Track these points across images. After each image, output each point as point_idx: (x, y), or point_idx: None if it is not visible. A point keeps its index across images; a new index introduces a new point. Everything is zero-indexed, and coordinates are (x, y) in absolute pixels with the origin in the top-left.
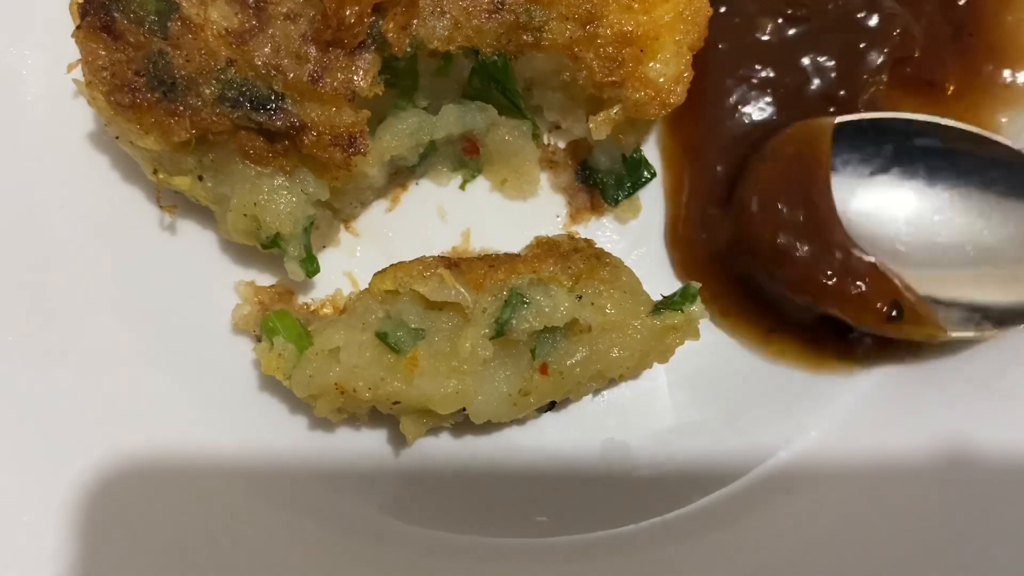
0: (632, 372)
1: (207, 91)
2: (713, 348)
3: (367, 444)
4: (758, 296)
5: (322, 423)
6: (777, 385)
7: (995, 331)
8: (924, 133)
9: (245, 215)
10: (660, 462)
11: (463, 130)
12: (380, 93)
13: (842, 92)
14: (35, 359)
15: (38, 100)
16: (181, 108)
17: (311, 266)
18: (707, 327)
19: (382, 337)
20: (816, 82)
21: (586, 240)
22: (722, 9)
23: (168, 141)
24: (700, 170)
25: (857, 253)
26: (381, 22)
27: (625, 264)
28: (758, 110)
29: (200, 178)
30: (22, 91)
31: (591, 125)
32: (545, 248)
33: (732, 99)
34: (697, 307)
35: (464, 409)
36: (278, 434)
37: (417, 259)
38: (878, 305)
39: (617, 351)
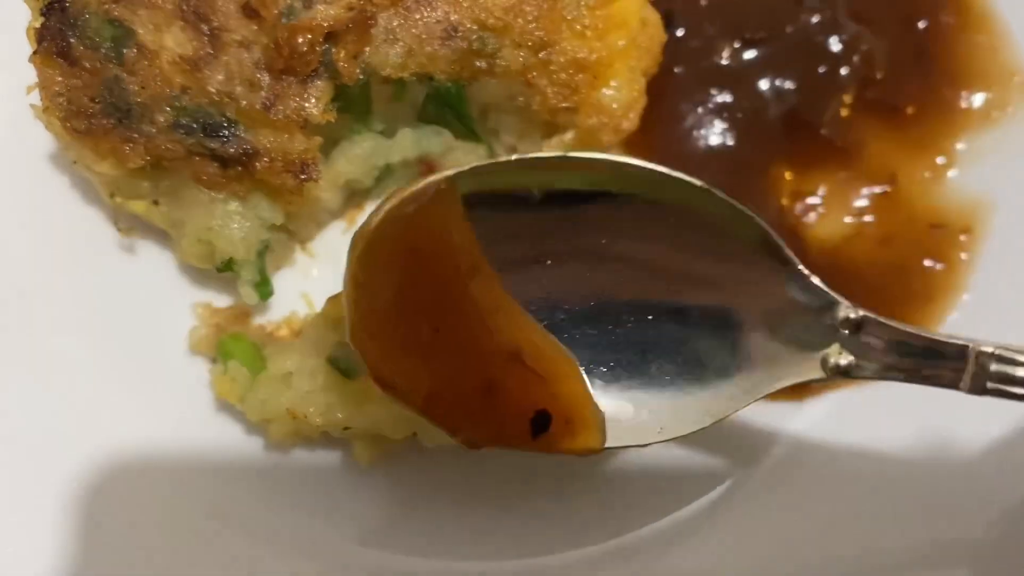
0: None
1: (161, 118)
2: None
3: (323, 465)
4: None
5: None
6: None
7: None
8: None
9: (199, 240)
10: (631, 472)
11: (419, 154)
12: (332, 120)
13: (803, 117)
14: None
15: None
16: (136, 135)
17: (265, 289)
18: None
19: (334, 363)
20: (776, 107)
21: None
22: (679, 32)
23: (123, 167)
24: None
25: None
26: (333, 50)
27: None
28: (715, 135)
29: (155, 203)
30: None
31: (545, 150)
32: None
33: (687, 124)
34: None
35: (415, 433)
36: (236, 455)
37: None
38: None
39: None
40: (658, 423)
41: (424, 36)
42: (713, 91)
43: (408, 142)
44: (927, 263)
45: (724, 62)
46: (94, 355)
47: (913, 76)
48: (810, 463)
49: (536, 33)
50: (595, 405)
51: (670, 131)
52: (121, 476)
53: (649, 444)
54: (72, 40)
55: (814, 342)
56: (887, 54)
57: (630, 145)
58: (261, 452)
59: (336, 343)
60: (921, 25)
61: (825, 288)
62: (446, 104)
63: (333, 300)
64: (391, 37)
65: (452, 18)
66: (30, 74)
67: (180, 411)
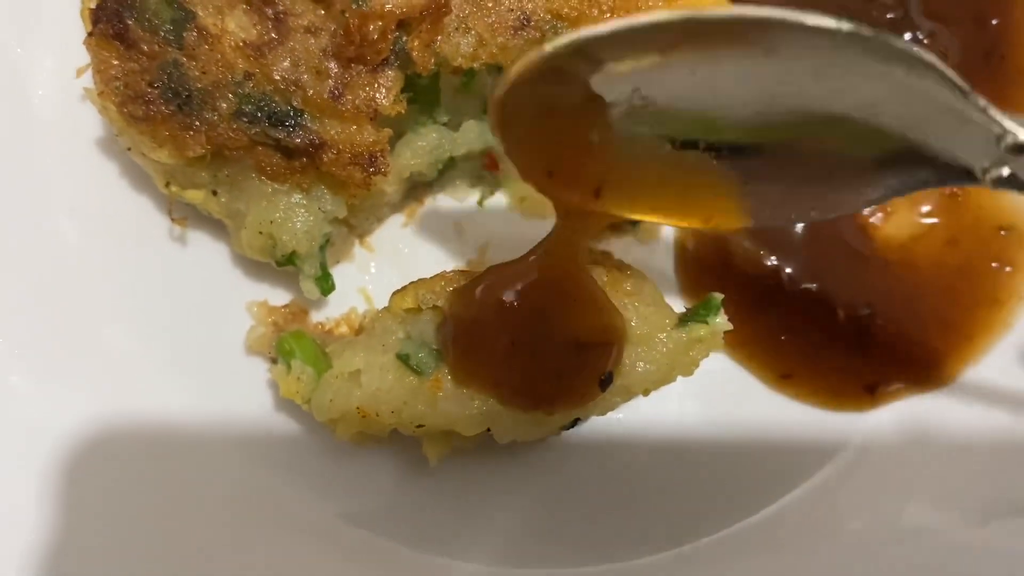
0: (656, 386)
1: (224, 105)
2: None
3: (386, 466)
4: (776, 334)
5: (340, 445)
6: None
7: None
8: None
9: (260, 233)
10: (676, 489)
11: (484, 147)
12: (403, 111)
13: None
14: (38, 366)
15: (46, 103)
16: (197, 122)
17: (326, 284)
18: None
19: (403, 359)
20: None
21: (603, 252)
22: None
23: (182, 155)
24: None
25: None
26: (405, 38)
27: (647, 276)
28: None
29: (214, 193)
30: (30, 93)
31: None
32: None
33: None
34: (721, 319)
35: (488, 429)
36: (291, 454)
37: (437, 275)
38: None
39: (643, 365)
40: (811, 206)
41: (496, 26)
42: None
43: (474, 135)
44: (994, 265)
45: None
46: (144, 345)
47: (983, 75)
48: (878, 469)
49: None
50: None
51: None
52: (172, 471)
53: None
54: (129, 22)
55: (978, 156)
56: (960, 52)
57: None
58: (324, 451)
59: (404, 339)
60: (994, 22)
61: (996, 115)
62: None
63: (399, 294)
64: (463, 26)
65: (526, 7)
66: (77, 54)
67: (233, 406)
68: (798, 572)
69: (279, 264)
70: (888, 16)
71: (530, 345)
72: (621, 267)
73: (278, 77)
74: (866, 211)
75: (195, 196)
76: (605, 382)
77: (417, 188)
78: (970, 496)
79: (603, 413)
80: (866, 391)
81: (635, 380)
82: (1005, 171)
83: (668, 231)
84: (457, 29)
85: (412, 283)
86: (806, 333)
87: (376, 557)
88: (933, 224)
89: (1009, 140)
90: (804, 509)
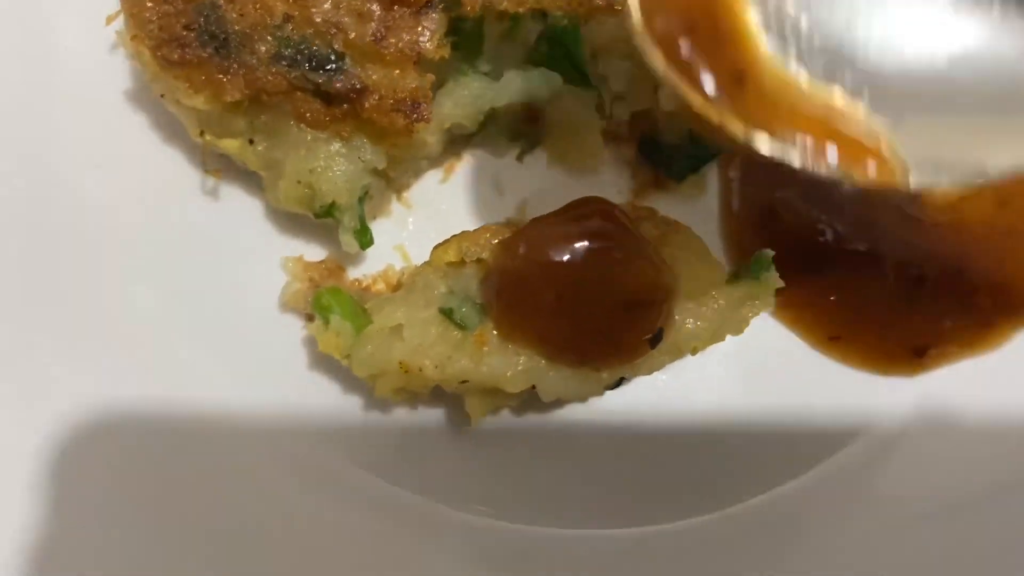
0: (706, 344)
1: (262, 48)
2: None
3: (424, 423)
4: (824, 295)
5: (378, 403)
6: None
7: None
8: None
9: (299, 182)
10: (717, 451)
11: (526, 98)
12: (446, 56)
13: None
14: (64, 329)
15: (72, 54)
16: (234, 66)
17: (365, 238)
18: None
19: (447, 313)
20: None
21: (648, 208)
22: None
23: (219, 101)
24: None
25: None
26: None
27: (694, 233)
28: None
29: (251, 141)
30: (56, 43)
31: (661, 95)
32: None
33: None
34: (772, 275)
35: (533, 386)
36: (328, 411)
37: (482, 227)
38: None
39: (693, 322)
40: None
41: None
42: None
43: (516, 86)
44: None
45: None
46: (175, 302)
47: None
48: (917, 442)
49: None
50: None
51: None
52: (201, 436)
53: None
54: None
55: None
56: None
57: None
58: (360, 410)
59: (447, 293)
60: None
61: None
62: (559, 44)
63: (441, 247)
64: None
65: None
66: (107, 4)
67: (267, 365)
68: (835, 540)
69: (317, 216)
70: None
71: (577, 300)
72: (669, 222)
73: (319, 19)
74: None
75: (230, 145)
76: (655, 339)
77: (455, 142)
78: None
79: (650, 372)
80: (915, 354)
81: (684, 338)
82: None
83: (713, 188)
84: None
85: (455, 236)
86: (855, 295)
87: (413, 515)
88: (982, 187)
89: None
90: (842, 477)
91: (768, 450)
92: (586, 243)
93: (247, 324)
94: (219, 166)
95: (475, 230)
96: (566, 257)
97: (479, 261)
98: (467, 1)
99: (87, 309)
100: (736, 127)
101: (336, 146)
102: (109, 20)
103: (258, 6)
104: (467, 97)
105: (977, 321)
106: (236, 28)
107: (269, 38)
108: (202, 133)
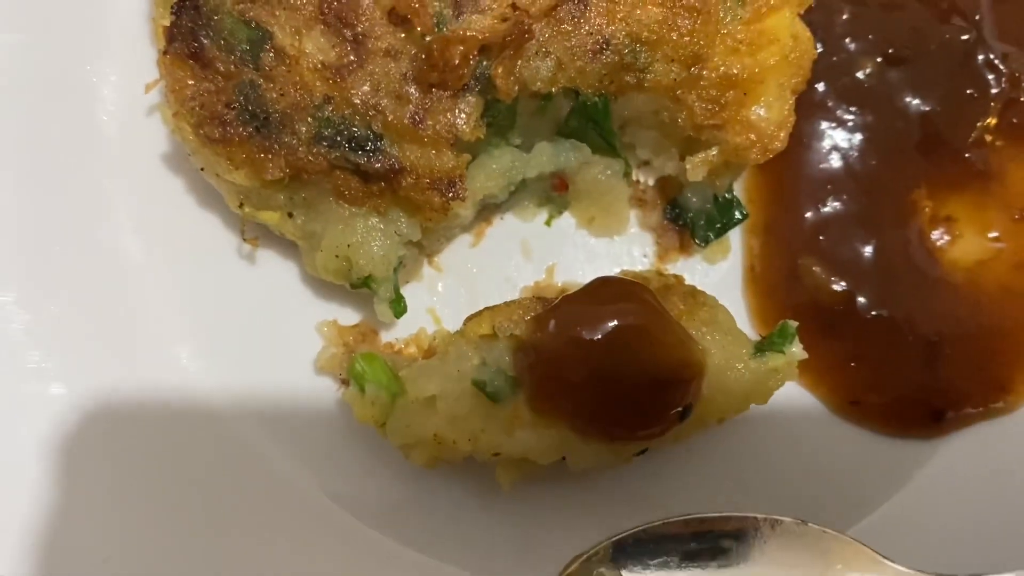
0: (731, 415)
1: (303, 128)
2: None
3: (454, 490)
4: (845, 360)
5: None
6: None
7: None
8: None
9: (337, 256)
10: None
11: (556, 168)
12: (482, 137)
13: (945, 139)
14: (102, 387)
15: (113, 118)
16: (275, 145)
17: (399, 307)
18: None
19: (480, 386)
20: (917, 127)
21: (675, 276)
22: (819, 47)
23: (259, 178)
24: (786, 215)
25: None
26: (485, 63)
27: (720, 303)
28: (854, 155)
29: (290, 215)
30: (96, 108)
31: (688, 166)
32: None
33: (825, 142)
34: (797, 348)
35: (564, 457)
36: (361, 479)
37: (514, 302)
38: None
39: (720, 396)
40: None
41: (576, 49)
42: (853, 108)
43: (546, 157)
44: None
45: (865, 79)
46: (209, 366)
47: None
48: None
49: (690, 48)
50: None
51: (807, 150)
52: (238, 491)
53: None
54: (205, 41)
55: None
56: None
57: (768, 162)
58: (393, 474)
59: (480, 365)
60: None
61: None
62: (590, 118)
63: (475, 319)
64: (543, 51)
65: (606, 31)
66: (146, 71)
67: (301, 428)
68: None
69: (354, 287)
70: (962, 38)
71: (608, 379)
72: (695, 294)
73: (358, 101)
74: (934, 235)
75: (270, 217)
76: (684, 414)
77: (486, 208)
78: None
79: (677, 442)
80: (933, 418)
81: (711, 410)
82: None
83: (736, 253)
84: (536, 53)
85: (487, 309)
86: (875, 359)
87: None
88: (1001, 249)
89: None
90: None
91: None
92: (616, 323)
93: (283, 386)
94: (257, 234)
95: (508, 304)
96: (597, 336)
97: (511, 336)
98: (503, 87)
99: (124, 368)
100: None
101: (373, 220)
102: (148, 88)
103: (298, 86)
104: (499, 170)
105: (995, 385)
106: (277, 108)
107: (309, 119)
108: (241, 205)
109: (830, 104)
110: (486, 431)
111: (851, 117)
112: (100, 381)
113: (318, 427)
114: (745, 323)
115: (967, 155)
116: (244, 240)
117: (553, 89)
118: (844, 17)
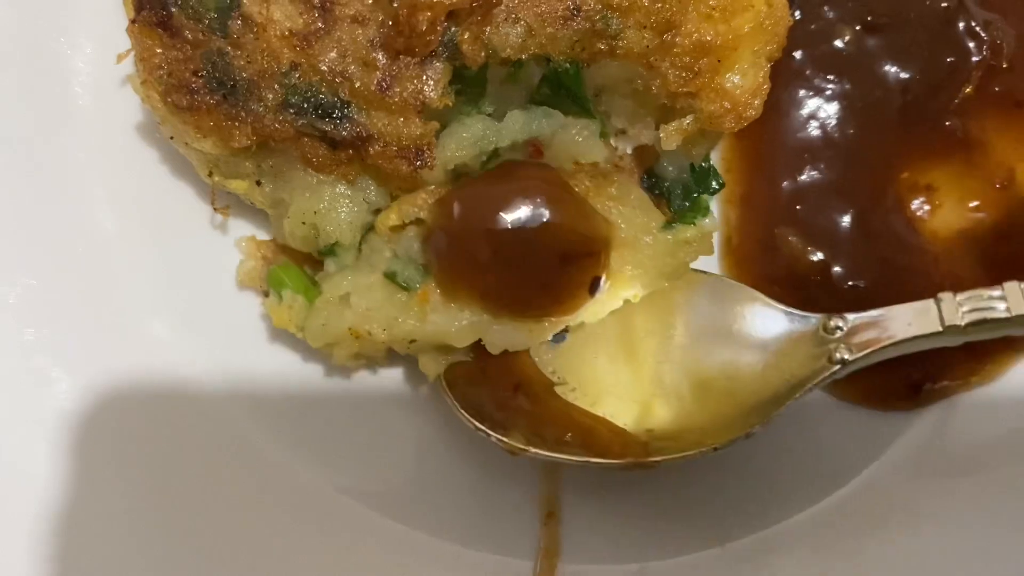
0: (646, 290)
1: (270, 96)
2: None
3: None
4: None
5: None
6: None
7: None
8: None
9: (304, 223)
10: (718, 486)
11: (528, 136)
12: (450, 104)
13: (924, 107)
14: (76, 356)
15: (85, 89)
16: (242, 113)
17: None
18: None
19: (390, 277)
20: (896, 95)
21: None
22: (797, 15)
23: (227, 146)
24: (763, 185)
25: None
26: (454, 30)
27: (635, 182)
28: (832, 124)
29: (258, 183)
30: (69, 80)
31: (662, 135)
32: None
33: (803, 111)
34: (710, 220)
35: (480, 340)
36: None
37: (420, 189)
38: None
39: (630, 269)
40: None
41: (546, 16)
42: (831, 76)
43: (519, 125)
44: None
45: (843, 47)
46: (184, 334)
47: None
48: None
49: (662, 14)
50: None
51: (785, 118)
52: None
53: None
54: (173, 10)
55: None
56: (1015, 42)
57: (745, 131)
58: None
59: (391, 258)
60: None
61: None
62: (562, 85)
63: (384, 213)
64: (512, 17)
65: None
66: (119, 42)
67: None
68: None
69: (320, 254)
70: (942, 5)
71: (513, 256)
72: (607, 173)
73: (325, 68)
74: (913, 204)
75: (238, 186)
76: (593, 287)
77: (458, 175)
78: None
79: (594, 319)
80: (911, 390)
81: (622, 282)
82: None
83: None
84: (506, 20)
85: (396, 200)
86: None
87: (395, 542)
88: (982, 218)
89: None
90: (847, 510)
91: (770, 484)
92: (518, 199)
93: (252, 349)
94: (228, 203)
95: (413, 192)
96: (499, 214)
97: (418, 222)
98: (469, 53)
99: (99, 339)
100: None
101: (341, 188)
102: (120, 59)
103: (265, 54)
104: (470, 139)
105: (973, 356)
106: (244, 75)
107: (276, 86)
108: (211, 173)
109: (808, 72)
110: (399, 319)
111: (829, 85)
112: (78, 353)
113: (304, 401)
114: None
115: (947, 124)
116: (215, 210)
117: (523, 56)
118: None
